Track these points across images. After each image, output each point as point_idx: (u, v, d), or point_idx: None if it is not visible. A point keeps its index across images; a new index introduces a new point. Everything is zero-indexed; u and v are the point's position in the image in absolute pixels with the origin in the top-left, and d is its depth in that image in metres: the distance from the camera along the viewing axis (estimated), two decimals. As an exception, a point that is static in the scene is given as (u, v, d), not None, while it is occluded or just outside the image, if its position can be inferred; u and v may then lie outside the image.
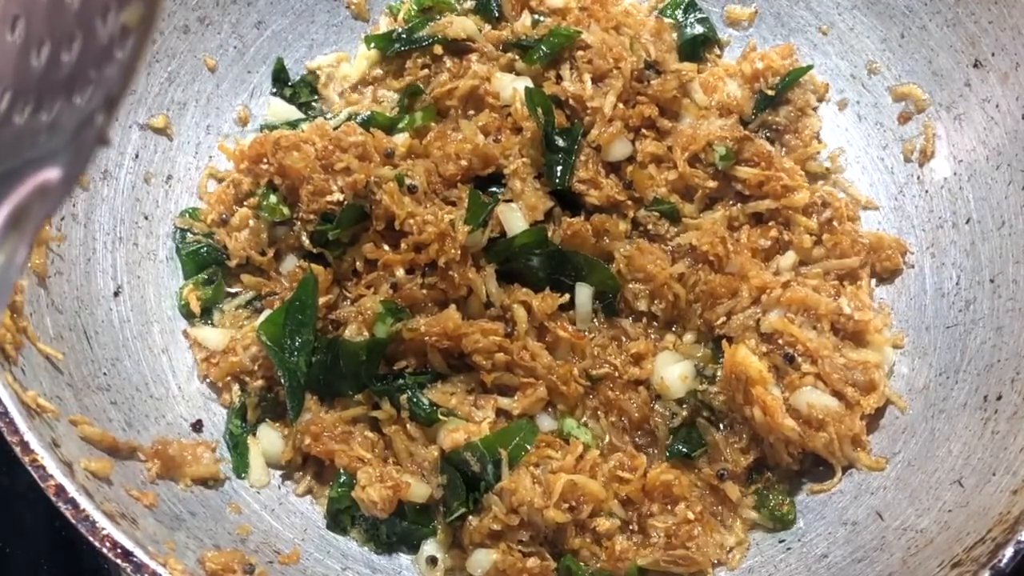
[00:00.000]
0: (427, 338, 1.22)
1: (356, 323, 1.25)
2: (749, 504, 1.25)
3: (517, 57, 1.38)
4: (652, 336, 1.31)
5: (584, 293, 1.30)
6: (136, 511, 1.07)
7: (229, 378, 1.30)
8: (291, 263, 1.34)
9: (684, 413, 1.26)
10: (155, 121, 1.37)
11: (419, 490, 1.19)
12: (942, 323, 1.31)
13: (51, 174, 0.67)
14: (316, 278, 1.26)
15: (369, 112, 1.41)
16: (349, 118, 1.41)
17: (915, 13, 1.39)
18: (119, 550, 0.98)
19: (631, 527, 1.21)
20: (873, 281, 1.37)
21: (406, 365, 1.25)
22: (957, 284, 1.31)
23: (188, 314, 1.33)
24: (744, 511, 1.24)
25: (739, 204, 1.36)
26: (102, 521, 0.98)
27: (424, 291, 1.25)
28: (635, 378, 1.27)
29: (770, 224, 1.35)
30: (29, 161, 0.68)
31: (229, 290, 1.37)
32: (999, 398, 1.18)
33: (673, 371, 1.25)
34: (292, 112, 1.46)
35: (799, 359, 1.23)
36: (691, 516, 1.20)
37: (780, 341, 1.24)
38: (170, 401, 1.27)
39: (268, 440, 1.27)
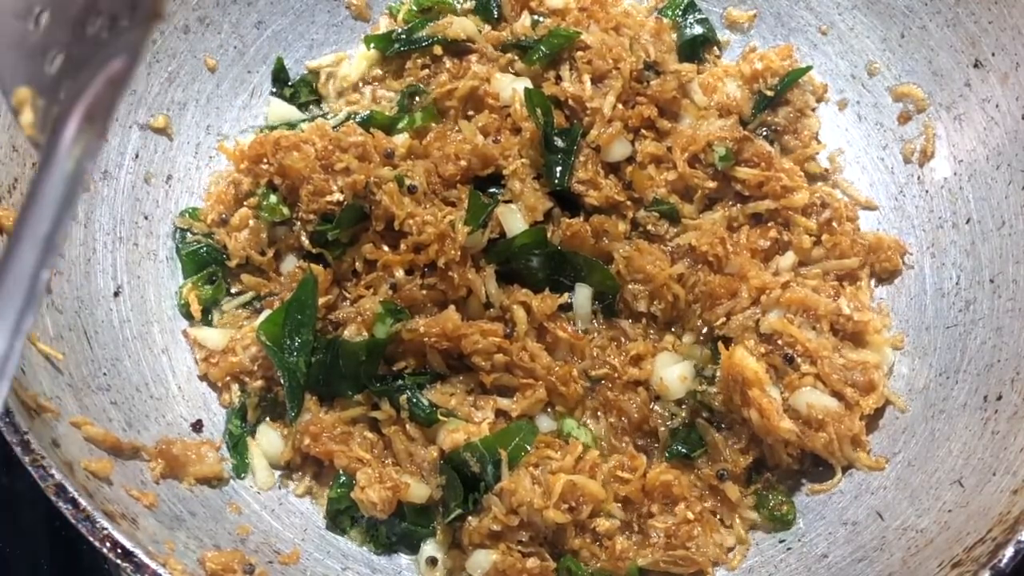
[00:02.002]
0: (426, 339, 1.22)
1: (356, 323, 1.25)
2: (749, 504, 1.25)
3: (517, 58, 1.38)
4: (651, 337, 1.31)
5: (583, 294, 1.30)
6: (136, 511, 1.08)
7: (229, 378, 1.30)
8: (291, 263, 1.34)
9: (683, 414, 1.26)
10: (155, 121, 1.37)
11: (418, 491, 1.19)
12: (942, 323, 1.31)
13: (116, 64, 0.72)
14: (316, 278, 1.26)
15: (369, 112, 1.41)
16: (349, 118, 1.41)
17: (915, 13, 1.39)
18: (119, 550, 0.98)
19: (631, 527, 1.21)
20: (873, 281, 1.37)
21: (405, 366, 1.25)
22: (957, 284, 1.31)
23: (188, 314, 1.33)
24: (744, 511, 1.24)
25: (738, 204, 1.36)
26: (102, 521, 0.98)
27: (423, 292, 1.25)
28: (634, 379, 1.27)
29: (769, 225, 1.35)
30: (99, 58, 0.72)
31: (229, 290, 1.37)
32: (999, 398, 1.18)
33: (672, 372, 1.25)
34: (292, 112, 1.46)
35: (798, 359, 1.23)
36: (691, 516, 1.20)
37: (779, 341, 1.24)
38: (170, 401, 1.27)
39: (267, 440, 1.27)
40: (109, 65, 0.72)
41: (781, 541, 1.24)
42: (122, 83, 0.72)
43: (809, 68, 1.44)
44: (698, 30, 1.46)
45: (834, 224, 1.35)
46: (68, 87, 0.74)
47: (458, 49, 1.41)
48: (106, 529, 0.98)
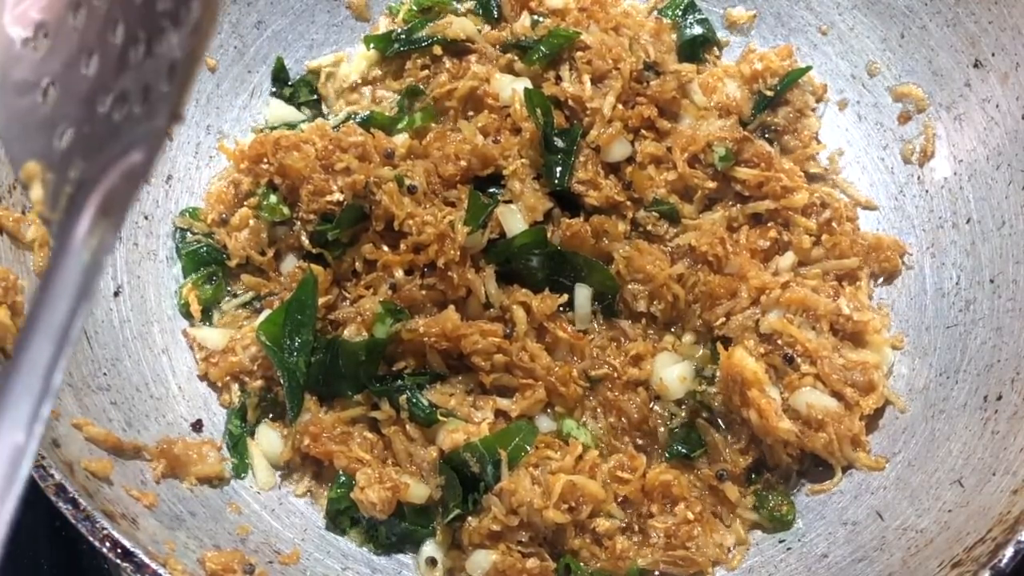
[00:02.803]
0: (426, 339, 1.22)
1: (355, 324, 1.25)
2: (748, 505, 1.25)
3: (516, 58, 1.38)
4: (651, 337, 1.31)
5: (583, 294, 1.30)
6: (136, 511, 1.08)
7: (228, 378, 1.30)
8: (291, 263, 1.34)
9: (683, 414, 1.26)
10: (155, 121, 1.37)
11: (418, 491, 1.19)
12: (942, 323, 1.30)
13: (134, 158, 0.71)
14: (316, 278, 1.26)
15: (369, 112, 1.41)
16: (348, 118, 1.41)
17: (915, 13, 1.39)
18: (119, 550, 0.98)
19: (631, 528, 1.21)
20: (872, 281, 1.37)
21: (405, 366, 1.25)
22: (957, 284, 1.31)
23: (188, 314, 1.33)
24: (743, 512, 1.24)
25: (738, 205, 1.36)
26: (102, 521, 0.98)
27: (423, 292, 1.25)
28: (634, 379, 1.27)
29: (769, 225, 1.35)
30: (116, 150, 0.72)
31: (229, 290, 1.37)
32: (999, 398, 1.17)
33: (672, 372, 1.25)
34: (292, 112, 1.46)
35: (798, 359, 1.23)
36: (691, 516, 1.20)
37: (779, 341, 1.24)
38: (170, 401, 1.27)
39: (267, 440, 1.27)
40: (126, 158, 0.72)
41: (781, 541, 1.24)
42: (139, 178, 0.72)
43: (809, 68, 1.44)
44: (698, 30, 1.46)
45: (834, 224, 1.35)
46: (80, 167, 0.73)
47: (458, 49, 1.41)
48: (106, 529, 0.98)
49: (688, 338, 1.30)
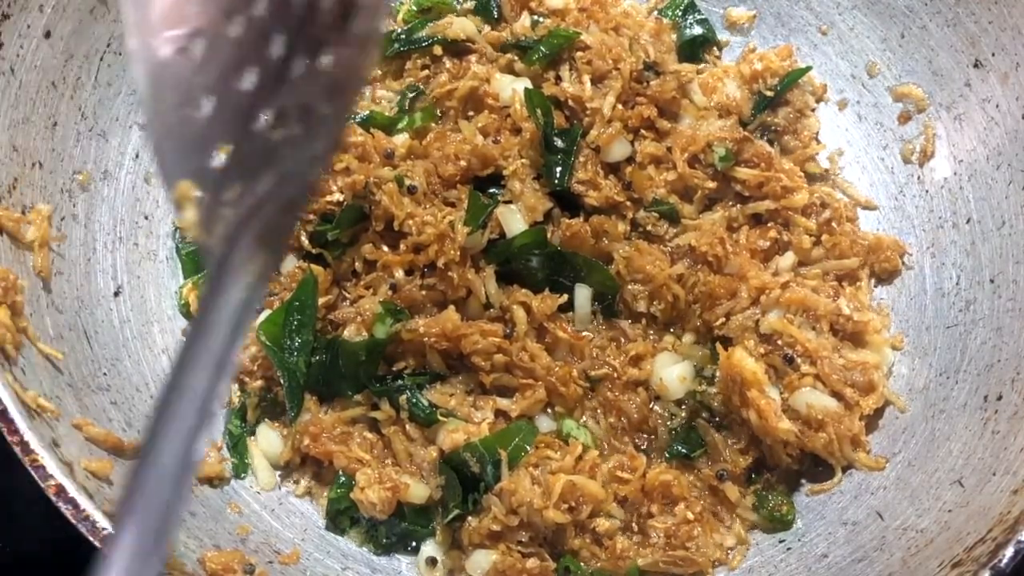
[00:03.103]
0: (426, 339, 1.22)
1: (355, 324, 1.25)
2: (748, 505, 1.25)
3: (516, 58, 1.38)
4: (651, 337, 1.31)
5: (583, 294, 1.30)
6: (136, 511, 1.07)
7: (228, 378, 1.30)
8: (291, 263, 1.34)
9: (683, 414, 1.26)
10: (155, 121, 1.37)
11: (418, 491, 1.19)
12: (942, 323, 1.30)
13: (294, 188, 0.69)
14: (316, 279, 1.26)
15: (368, 112, 1.41)
16: (348, 118, 1.41)
17: (915, 13, 1.39)
18: (119, 550, 0.98)
19: (631, 528, 1.21)
20: (872, 282, 1.37)
21: (405, 366, 1.25)
22: (957, 284, 1.31)
23: (188, 314, 1.33)
24: (743, 512, 1.24)
25: (738, 205, 1.36)
26: (102, 521, 0.98)
27: (423, 292, 1.25)
28: (634, 379, 1.27)
29: (769, 225, 1.35)
30: (275, 177, 0.70)
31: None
32: (999, 398, 1.17)
33: (672, 372, 1.25)
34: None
35: (798, 360, 1.23)
36: (691, 516, 1.20)
37: (779, 342, 1.24)
38: (170, 401, 1.27)
39: (267, 440, 1.27)
40: (285, 187, 0.69)
41: (781, 541, 1.24)
42: (299, 209, 0.70)
43: (809, 68, 1.44)
44: (698, 30, 1.46)
45: (834, 224, 1.35)
46: (236, 190, 0.70)
47: (458, 49, 1.41)
48: (106, 529, 0.98)
49: (688, 338, 1.30)
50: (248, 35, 0.72)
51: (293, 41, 0.70)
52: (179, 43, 0.74)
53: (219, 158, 0.72)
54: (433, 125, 1.36)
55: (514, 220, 1.27)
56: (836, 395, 1.23)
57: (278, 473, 1.28)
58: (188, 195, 0.71)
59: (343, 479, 1.22)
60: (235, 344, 0.65)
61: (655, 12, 1.48)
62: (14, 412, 1.00)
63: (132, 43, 0.74)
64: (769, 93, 1.40)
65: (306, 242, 1.31)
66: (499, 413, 1.24)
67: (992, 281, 1.27)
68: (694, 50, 1.45)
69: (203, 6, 0.73)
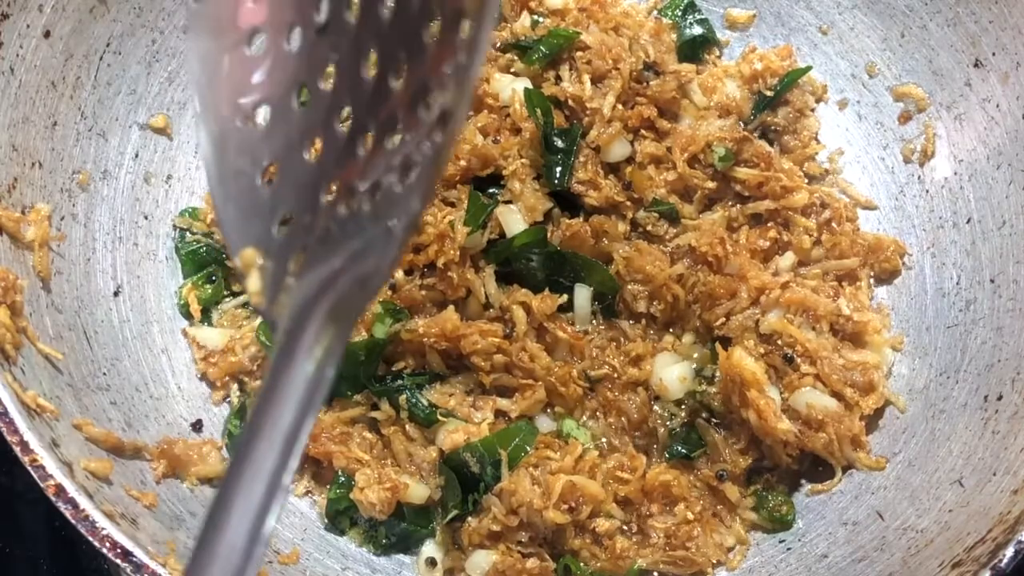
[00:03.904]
0: (426, 339, 1.22)
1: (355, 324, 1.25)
2: (748, 505, 1.25)
3: (516, 58, 1.38)
4: (651, 337, 1.31)
5: (583, 294, 1.29)
6: (136, 511, 1.07)
7: (228, 378, 1.30)
8: (290, 263, 1.34)
9: (683, 414, 1.26)
10: (155, 121, 1.37)
11: (418, 491, 1.19)
12: (942, 323, 1.30)
13: (368, 265, 0.67)
14: (315, 278, 1.26)
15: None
16: (349, 118, 1.40)
17: (915, 12, 1.39)
18: (119, 550, 0.98)
19: (631, 528, 1.21)
20: (872, 282, 1.37)
21: (405, 366, 1.25)
22: (957, 284, 1.31)
23: (188, 314, 1.33)
24: (743, 512, 1.24)
25: (738, 205, 1.36)
26: (102, 521, 0.98)
27: (423, 292, 1.25)
28: (634, 379, 1.27)
29: (769, 225, 1.35)
30: (347, 250, 0.67)
31: (229, 290, 1.37)
32: (999, 398, 1.17)
33: (672, 372, 1.25)
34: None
35: (798, 360, 1.23)
36: (690, 516, 1.20)
37: (779, 342, 1.24)
38: (170, 401, 1.27)
39: (267, 440, 1.27)
40: (359, 263, 0.66)
41: (781, 541, 1.24)
42: (373, 287, 0.66)
43: (809, 68, 1.44)
44: (698, 30, 1.46)
45: (834, 224, 1.35)
46: (301, 260, 0.68)
47: (458, 49, 1.41)
48: (106, 529, 0.98)
49: (688, 338, 1.30)
50: (314, 108, 0.71)
51: (363, 118, 0.68)
52: (246, 111, 0.73)
53: (285, 228, 0.70)
54: (433, 125, 1.36)
55: (514, 220, 1.27)
56: (836, 395, 1.23)
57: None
58: (252, 262, 0.70)
59: (343, 479, 1.22)
60: (306, 421, 0.62)
61: (655, 12, 1.48)
62: (14, 412, 1.00)
63: (199, 107, 0.74)
64: (769, 93, 1.40)
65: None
66: (499, 413, 1.24)
67: (992, 281, 1.27)
68: (694, 50, 1.45)
69: (271, 77, 0.73)
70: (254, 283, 0.70)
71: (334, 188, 0.70)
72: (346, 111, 0.70)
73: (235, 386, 1.30)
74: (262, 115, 0.73)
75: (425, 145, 0.64)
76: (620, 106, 1.33)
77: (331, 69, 0.71)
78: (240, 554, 0.58)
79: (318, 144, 0.71)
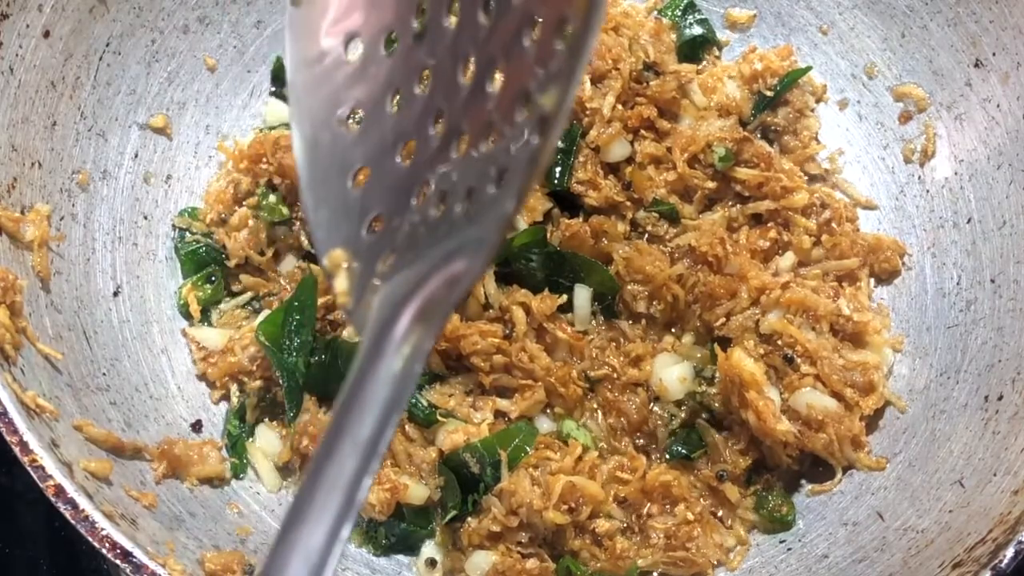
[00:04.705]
0: (426, 339, 1.22)
1: (355, 324, 1.25)
2: (748, 505, 1.25)
3: (516, 57, 1.38)
4: (651, 337, 1.31)
5: (583, 295, 1.29)
6: (136, 511, 1.07)
7: (227, 378, 1.30)
8: (290, 263, 1.34)
9: (683, 415, 1.26)
10: (154, 121, 1.37)
11: (417, 492, 1.19)
12: (943, 323, 1.30)
13: (458, 266, 0.66)
14: (315, 279, 1.25)
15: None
16: (349, 118, 1.40)
17: (916, 13, 1.39)
18: (118, 550, 0.98)
19: (631, 528, 1.21)
20: (872, 282, 1.37)
21: (404, 366, 1.25)
22: (958, 284, 1.31)
23: (187, 314, 1.33)
24: (743, 512, 1.24)
25: (738, 205, 1.36)
26: (101, 521, 0.98)
27: (423, 292, 1.25)
28: (634, 379, 1.27)
29: (769, 225, 1.34)
30: (437, 252, 0.67)
31: (228, 290, 1.37)
32: (1000, 398, 1.17)
33: (672, 373, 1.25)
34: (292, 112, 1.46)
35: (798, 360, 1.23)
36: (691, 517, 1.20)
37: (779, 342, 1.24)
38: (169, 401, 1.27)
39: (266, 440, 1.27)
40: (449, 265, 0.66)
41: (781, 542, 1.24)
42: (463, 287, 0.66)
43: (808, 68, 1.44)
44: (697, 30, 1.46)
45: (834, 224, 1.35)
46: (389, 262, 0.68)
47: (458, 49, 1.41)
48: (105, 530, 0.98)
49: (688, 339, 1.30)
50: (407, 112, 0.71)
51: (457, 121, 0.68)
52: (340, 115, 0.73)
53: (374, 230, 0.70)
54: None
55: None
56: (836, 395, 1.23)
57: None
58: (339, 264, 0.71)
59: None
60: (391, 421, 0.61)
61: (655, 12, 1.48)
62: (13, 412, 1.00)
63: (293, 111, 0.74)
64: (769, 93, 1.40)
65: (306, 242, 1.31)
66: (499, 414, 1.24)
67: (993, 281, 1.27)
68: (694, 50, 1.45)
69: (366, 82, 0.73)
70: (341, 284, 0.70)
71: (425, 191, 0.70)
72: (440, 115, 0.70)
73: (234, 386, 1.30)
74: (356, 119, 0.73)
75: (522, 148, 0.63)
76: (620, 106, 1.33)
77: (427, 73, 0.70)
78: (315, 563, 0.57)
79: (410, 147, 0.71)
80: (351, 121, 0.74)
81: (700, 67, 1.44)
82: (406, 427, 1.23)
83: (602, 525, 1.18)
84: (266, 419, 1.29)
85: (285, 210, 1.32)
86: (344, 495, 0.59)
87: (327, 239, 0.73)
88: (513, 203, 0.64)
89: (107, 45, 1.30)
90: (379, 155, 0.72)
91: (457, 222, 0.68)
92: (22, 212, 1.17)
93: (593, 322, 1.31)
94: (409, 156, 0.72)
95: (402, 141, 0.72)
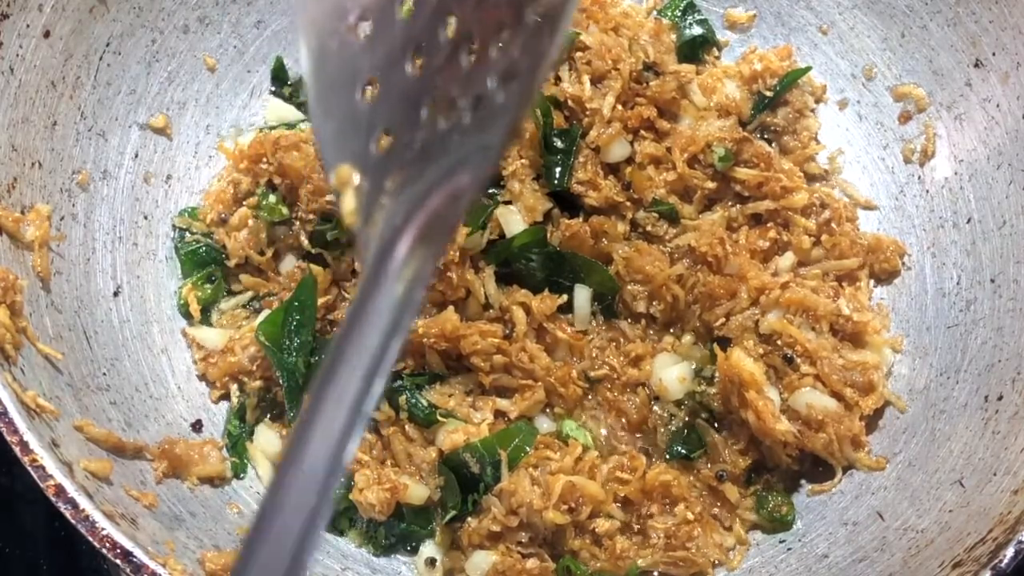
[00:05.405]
0: (425, 339, 1.22)
1: (355, 324, 1.25)
2: (748, 506, 1.25)
3: (516, 58, 1.38)
4: (651, 337, 1.31)
5: (582, 295, 1.29)
6: (136, 511, 1.07)
7: (227, 378, 1.30)
8: (290, 263, 1.34)
9: (682, 414, 1.26)
10: (155, 121, 1.37)
11: (417, 492, 1.19)
12: (943, 323, 1.30)
13: (462, 180, 0.64)
14: (315, 278, 1.26)
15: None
16: (349, 118, 1.40)
17: (916, 13, 1.39)
18: (118, 550, 0.98)
19: (631, 528, 1.21)
20: (872, 282, 1.37)
21: (404, 366, 1.25)
22: (958, 284, 1.31)
23: (187, 314, 1.33)
24: (743, 512, 1.24)
25: (738, 205, 1.36)
26: (102, 521, 0.98)
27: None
28: (634, 379, 1.27)
29: (769, 225, 1.34)
30: (442, 166, 0.65)
31: (228, 290, 1.37)
32: (1000, 398, 1.17)
33: (671, 373, 1.25)
34: (291, 112, 1.46)
35: (798, 360, 1.23)
36: (690, 517, 1.20)
37: (779, 342, 1.24)
38: (169, 401, 1.27)
39: (266, 440, 1.27)
40: (451, 178, 0.64)
41: (781, 541, 1.24)
42: (466, 202, 0.64)
43: (808, 69, 1.44)
44: (697, 31, 1.46)
45: (833, 225, 1.35)
46: (398, 179, 0.66)
47: (458, 49, 1.41)
48: (105, 530, 0.98)
49: (687, 339, 1.30)
50: (418, 18, 0.69)
51: (466, 25, 0.67)
52: (348, 23, 0.71)
53: (383, 144, 0.68)
54: (433, 125, 1.36)
55: (513, 220, 1.27)
56: (836, 395, 1.23)
57: (277, 473, 1.28)
58: (347, 180, 0.68)
59: (342, 480, 1.22)
60: (393, 343, 0.60)
61: (655, 12, 1.48)
62: (14, 412, 1.00)
63: (300, 21, 0.72)
64: (768, 93, 1.40)
65: (306, 242, 1.31)
66: (498, 414, 1.24)
67: (993, 281, 1.27)
68: (693, 50, 1.45)
69: None
70: (348, 202, 0.67)
71: (435, 102, 0.68)
72: (451, 19, 0.68)
73: (235, 386, 1.30)
74: (364, 28, 0.71)
75: (528, 51, 0.62)
76: (620, 106, 1.33)
77: None
78: (317, 486, 0.57)
79: (421, 56, 0.69)
80: (359, 29, 0.72)
81: (700, 67, 1.44)
82: (406, 427, 1.23)
83: (602, 525, 1.18)
84: (266, 419, 1.29)
85: (285, 210, 1.32)
86: (348, 416, 0.58)
87: (334, 154, 0.70)
88: (520, 107, 0.63)
89: (107, 45, 1.30)
90: (388, 64, 0.70)
91: (465, 133, 0.66)
92: (22, 212, 1.17)
93: (593, 322, 1.31)
94: (419, 65, 0.69)
95: (411, 47, 0.69)
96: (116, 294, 1.28)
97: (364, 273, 0.63)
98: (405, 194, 0.66)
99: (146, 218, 1.35)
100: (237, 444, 1.27)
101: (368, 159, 0.69)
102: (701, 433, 1.25)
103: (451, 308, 1.24)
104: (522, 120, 0.64)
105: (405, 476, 1.20)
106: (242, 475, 1.26)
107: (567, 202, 1.33)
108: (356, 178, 0.68)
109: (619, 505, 1.21)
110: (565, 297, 1.28)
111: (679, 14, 1.46)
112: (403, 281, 0.62)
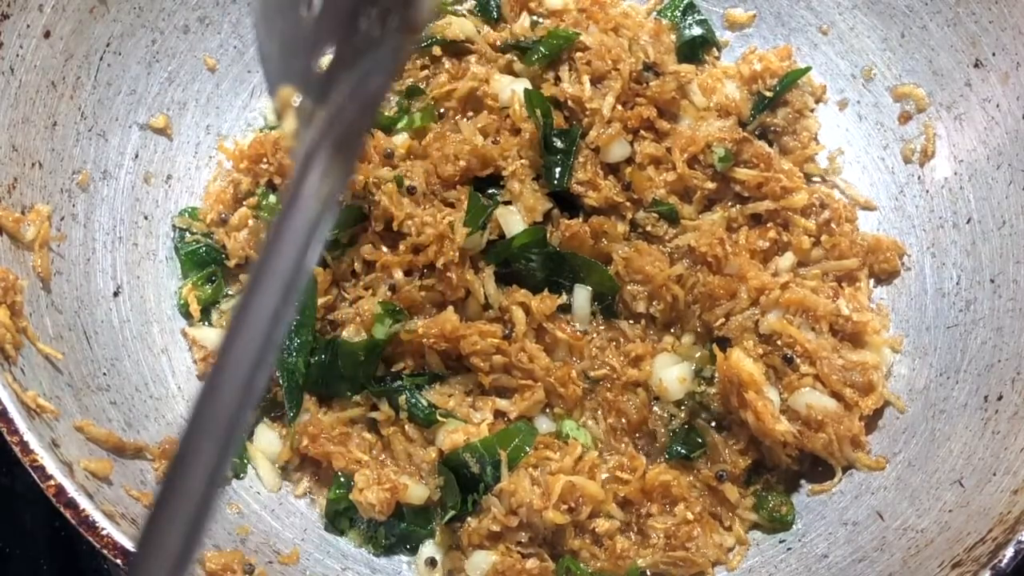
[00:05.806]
0: (425, 340, 1.22)
1: (354, 324, 1.25)
2: (748, 505, 1.25)
3: (516, 58, 1.38)
4: (651, 337, 1.31)
5: (582, 295, 1.29)
6: (136, 511, 1.07)
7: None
8: (290, 263, 1.34)
9: (682, 415, 1.26)
10: (155, 121, 1.37)
11: (417, 492, 1.19)
12: (942, 323, 1.30)
13: (373, 83, 0.65)
14: (315, 279, 1.26)
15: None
16: (348, 118, 1.40)
17: (916, 13, 1.39)
18: (118, 550, 0.98)
19: (631, 528, 1.21)
20: (872, 282, 1.37)
21: (404, 366, 1.25)
22: (958, 284, 1.31)
23: (187, 314, 1.33)
24: (743, 512, 1.24)
25: (738, 205, 1.36)
26: (102, 521, 0.98)
27: (422, 293, 1.25)
28: (633, 380, 1.27)
29: (769, 225, 1.34)
30: (356, 80, 0.66)
31: (228, 290, 1.37)
32: (1000, 398, 1.17)
33: (671, 373, 1.25)
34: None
35: (798, 360, 1.23)
36: (690, 517, 1.20)
37: (779, 342, 1.24)
38: (170, 401, 1.27)
39: (266, 441, 1.27)
40: (362, 89, 0.65)
41: (781, 541, 1.24)
42: (376, 106, 0.64)
43: (808, 69, 1.44)
44: (697, 31, 1.46)
45: (833, 225, 1.35)
46: (339, 97, 0.66)
47: (457, 50, 1.41)
48: (105, 529, 0.98)
49: (687, 339, 1.30)
50: None
51: None
52: None
53: (324, 62, 0.68)
54: (432, 125, 1.36)
55: (513, 220, 1.27)
56: (836, 395, 1.23)
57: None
58: (289, 101, 0.68)
59: (342, 480, 1.22)
60: (307, 259, 0.62)
61: (654, 13, 1.48)
62: (14, 412, 1.00)
63: None
64: (768, 93, 1.40)
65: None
66: (498, 414, 1.24)
67: (992, 281, 1.27)
68: (693, 51, 1.45)
69: None
70: (290, 125, 0.68)
71: (375, 11, 0.68)
72: None
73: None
74: None
75: None
76: (620, 107, 1.33)
77: None
78: (235, 400, 0.60)
79: None
80: None
81: (700, 68, 1.44)
82: (406, 427, 1.23)
83: (602, 525, 1.18)
84: (266, 419, 1.29)
85: (285, 210, 1.32)
86: (266, 328, 0.61)
87: (278, 75, 0.70)
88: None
89: (107, 45, 1.30)
90: None
91: (381, 38, 0.66)
92: (23, 212, 1.17)
93: (593, 322, 1.32)
94: None
95: None
96: (116, 294, 1.28)
97: (288, 192, 0.64)
98: (323, 110, 0.66)
99: (146, 218, 1.35)
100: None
101: (310, 79, 0.69)
102: (701, 433, 1.25)
103: (451, 308, 1.24)
104: (427, 7, 0.65)
105: (405, 476, 1.20)
106: (242, 475, 1.26)
107: (567, 202, 1.33)
108: (297, 99, 0.68)
109: (619, 505, 1.21)
110: (565, 297, 1.28)
111: (679, 14, 1.46)
112: (319, 199, 0.63)
